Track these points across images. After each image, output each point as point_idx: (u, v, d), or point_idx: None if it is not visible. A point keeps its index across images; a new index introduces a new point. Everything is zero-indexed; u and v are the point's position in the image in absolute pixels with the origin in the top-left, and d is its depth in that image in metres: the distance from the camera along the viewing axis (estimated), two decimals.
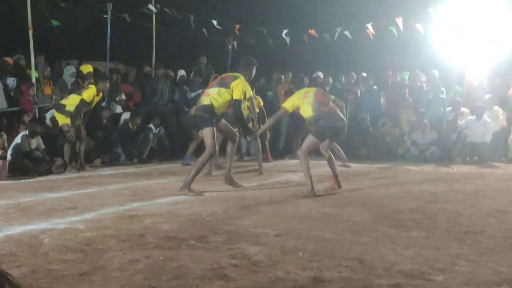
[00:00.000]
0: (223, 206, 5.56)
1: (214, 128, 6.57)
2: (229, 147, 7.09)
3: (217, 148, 6.82)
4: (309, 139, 6.59)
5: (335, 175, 6.90)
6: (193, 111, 8.05)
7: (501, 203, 5.89)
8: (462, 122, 11.72)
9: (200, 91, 12.07)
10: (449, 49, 12.61)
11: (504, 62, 12.86)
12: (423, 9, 12.28)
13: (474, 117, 11.46)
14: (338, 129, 6.74)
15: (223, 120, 6.90)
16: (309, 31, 13.52)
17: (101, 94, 9.51)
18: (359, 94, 12.79)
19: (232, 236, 4.14)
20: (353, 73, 13.39)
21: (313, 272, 3.22)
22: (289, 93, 7.40)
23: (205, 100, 6.56)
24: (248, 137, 7.35)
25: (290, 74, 13.01)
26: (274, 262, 3.42)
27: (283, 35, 13.83)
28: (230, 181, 7.03)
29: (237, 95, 6.47)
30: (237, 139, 7.11)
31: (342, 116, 6.78)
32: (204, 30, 14.37)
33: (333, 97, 7.26)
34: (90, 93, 9.06)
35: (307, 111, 6.65)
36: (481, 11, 12.11)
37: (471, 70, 12.95)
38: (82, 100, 8.98)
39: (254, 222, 4.73)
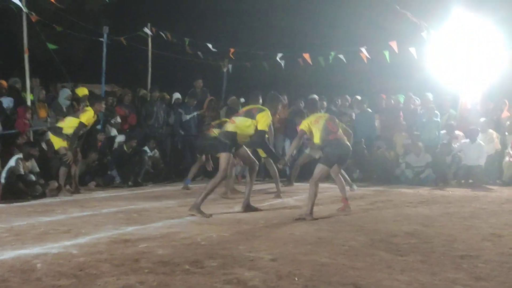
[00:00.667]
0: (218, 229, 5.53)
1: (231, 155, 6.78)
2: (248, 175, 7.27)
3: (233, 173, 6.91)
4: (319, 168, 6.75)
5: (345, 199, 7.12)
6: (212, 133, 8.23)
7: (496, 226, 5.89)
8: (456, 145, 11.77)
9: (195, 113, 12.12)
10: (443, 72, 12.73)
11: (497, 86, 12.98)
12: (416, 33, 12.39)
13: (468, 140, 11.52)
14: (343, 156, 6.89)
15: (244, 148, 7.06)
16: (303, 54, 13.61)
17: (96, 116, 9.51)
18: (354, 117, 12.82)
19: (227, 261, 4.11)
20: (347, 96, 13.46)
21: None
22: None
23: (229, 127, 6.78)
24: (278, 164, 7.45)
25: (285, 97, 13.06)
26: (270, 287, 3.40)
27: (278, 58, 13.92)
28: (248, 208, 7.13)
29: (262, 126, 6.69)
30: (257, 167, 7.24)
31: (348, 144, 6.92)
32: (199, 53, 14.47)
33: (344, 125, 7.36)
34: (88, 116, 9.06)
35: (315, 137, 6.89)
36: (472, 35, 12.25)
37: (465, 94, 13.05)
38: (81, 123, 8.98)
39: (249, 246, 4.70)
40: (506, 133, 12.19)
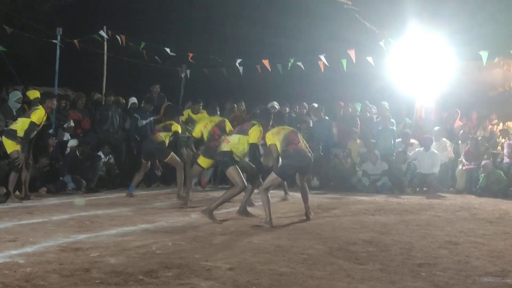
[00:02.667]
0: (173, 238, 5.38)
1: (237, 166, 6.91)
2: (250, 183, 7.29)
3: (246, 183, 6.96)
4: (271, 176, 6.86)
5: (306, 207, 7.24)
6: (159, 137, 8.79)
7: (452, 234, 5.94)
8: (411, 153, 11.93)
9: (151, 118, 11.89)
10: (399, 82, 12.93)
11: (449, 95, 13.27)
12: (375, 42, 12.54)
13: (422, 148, 11.71)
14: (301, 169, 7.00)
15: (243, 161, 7.24)
16: (263, 60, 13.57)
17: (46, 115, 9.13)
18: (311, 124, 12.85)
19: (183, 271, 3.97)
20: (305, 103, 13.47)
21: None
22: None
23: (225, 147, 7.00)
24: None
25: (243, 104, 12.99)
26: None
27: (237, 64, 13.84)
28: (244, 214, 7.30)
29: (253, 139, 6.93)
30: (259, 177, 7.44)
31: (309, 155, 6.94)
32: (157, 57, 14.25)
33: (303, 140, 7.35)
34: (39, 115, 8.67)
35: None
36: (427, 46, 12.48)
37: (419, 103, 13.29)
38: (32, 123, 8.58)
39: (206, 255, 4.57)
40: (459, 142, 12.46)
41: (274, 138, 6.96)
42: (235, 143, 6.98)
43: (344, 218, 7.25)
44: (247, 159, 7.36)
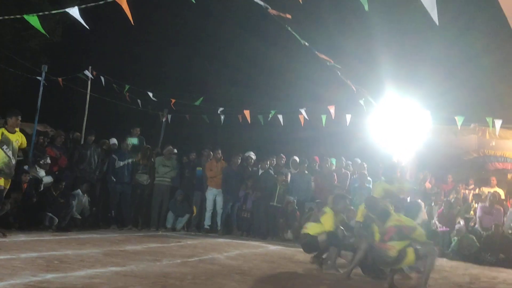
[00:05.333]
0: (143, 282, 5.29)
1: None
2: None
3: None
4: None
5: None
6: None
7: None
8: None
9: (129, 160, 11.88)
10: (376, 141, 13.14)
11: (426, 157, 13.50)
12: (355, 100, 12.81)
13: (395, 208, 11.77)
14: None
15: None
16: (244, 111, 13.72)
17: (24, 141, 9.03)
18: (289, 177, 12.91)
19: None
20: (282, 155, 13.55)
21: None
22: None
23: (304, 231, 7.75)
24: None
25: (220, 151, 13.03)
26: None
27: (218, 112, 13.97)
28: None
29: (329, 227, 7.48)
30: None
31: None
32: (139, 101, 14.33)
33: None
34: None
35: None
36: (404, 108, 12.75)
37: (396, 162, 13.46)
38: None
39: None
40: (432, 204, 12.59)
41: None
42: (312, 229, 7.58)
43: (314, 271, 7.23)
44: None
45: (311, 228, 7.68)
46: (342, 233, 7.68)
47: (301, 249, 8.04)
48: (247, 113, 13.69)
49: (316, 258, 7.78)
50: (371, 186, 12.53)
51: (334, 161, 13.64)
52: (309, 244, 7.64)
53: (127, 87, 13.75)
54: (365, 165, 13.13)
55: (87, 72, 13.11)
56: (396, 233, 6.35)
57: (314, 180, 13.04)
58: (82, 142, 12.44)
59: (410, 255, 6.23)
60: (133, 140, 12.40)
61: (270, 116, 13.54)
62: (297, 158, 13.33)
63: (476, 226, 11.54)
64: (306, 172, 13.01)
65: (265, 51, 18.66)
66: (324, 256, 7.73)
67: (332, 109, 12.72)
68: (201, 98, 14.01)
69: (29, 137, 10.86)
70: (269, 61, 18.92)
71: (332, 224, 7.50)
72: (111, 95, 14.24)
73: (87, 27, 7.11)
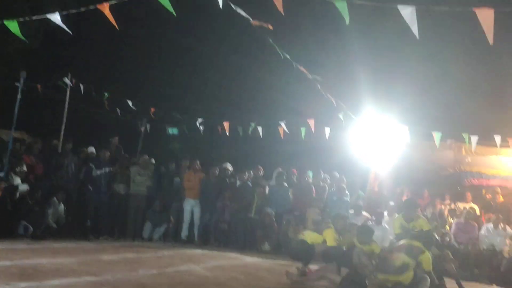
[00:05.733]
0: None
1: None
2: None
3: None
4: None
5: None
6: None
7: None
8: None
9: (107, 170, 11.78)
10: (355, 155, 13.23)
11: (403, 172, 13.63)
12: (334, 114, 12.88)
13: (374, 222, 11.85)
14: None
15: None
16: (224, 123, 13.73)
17: None
18: (267, 189, 12.91)
19: None
20: (260, 167, 13.53)
21: None
22: None
23: (300, 236, 8.07)
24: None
25: (198, 162, 12.99)
26: None
27: (197, 123, 13.95)
28: None
29: (330, 241, 7.74)
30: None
31: None
32: (118, 109, 14.24)
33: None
34: None
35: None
36: (382, 122, 12.87)
37: (373, 177, 13.57)
38: None
39: None
40: None
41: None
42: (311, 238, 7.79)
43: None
44: None
45: (309, 236, 7.79)
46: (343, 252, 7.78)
47: (287, 257, 8.08)
48: (226, 125, 13.68)
49: (298, 270, 7.80)
50: (348, 200, 12.62)
51: (311, 173, 13.68)
52: (303, 251, 7.69)
53: (106, 94, 13.66)
54: (344, 179, 13.20)
55: (66, 80, 13.01)
56: (406, 249, 6.77)
57: (293, 192, 13.06)
58: (59, 150, 12.28)
59: (410, 273, 6.60)
60: (174, 130, 12.26)
61: (250, 129, 13.55)
62: (280, 169, 13.29)
63: (452, 241, 11.66)
64: (285, 184, 13.02)
65: (245, 64, 18.72)
66: (311, 268, 7.76)
67: (311, 122, 12.79)
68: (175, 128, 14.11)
69: (5, 144, 10.74)
70: (249, 74, 18.98)
71: (334, 240, 7.69)
72: (90, 103, 14.13)
73: (70, 32, 7.07)
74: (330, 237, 7.71)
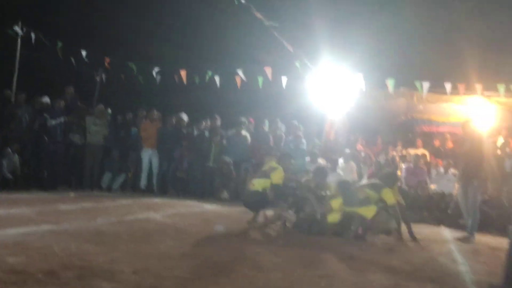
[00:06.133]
0: (77, 240, 5.28)
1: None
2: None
3: None
4: None
5: None
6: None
7: (353, 249, 6.22)
8: None
9: (62, 119, 11.60)
10: (311, 103, 13.37)
11: (358, 120, 13.89)
12: (290, 62, 12.91)
13: (329, 169, 12.12)
14: None
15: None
16: (180, 71, 13.59)
17: None
18: (224, 138, 12.97)
19: (85, 272, 3.93)
20: (217, 116, 13.52)
21: None
22: None
23: (252, 188, 7.74)
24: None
25: (155, 112, 12.91)
26: None
27: (153, 72, 13.77)
28: None
29: (277, 180, 7.65)
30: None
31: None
32: (72, 59, 13.89)
33: None
34: None
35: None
36: (337, 70, 13.00)
37: (329, 125, 13.80)
38: None
39: (110, 259, 4.54)
40: (361, 165, 13.03)
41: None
42: (258, 184, 7.68)
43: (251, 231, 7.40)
44: None
45: (258, 183, 7.77)
46: (291, 191, 7.98)
47: (243, 207, 8.14)
48: (183, 73, 13.57)
49: (254, 220, 7.93)
50: (305, 148, 12.83)
51: (267, 123, 13.78)
52: (257, 202, 7.74)
53: (59, 44, 13.29)
54: (301, 128, 13.35)
55: (16, 28, 12.57)
56: (369, 185, 7.55)
57: (250, 141, 13.16)
58: (12, 100, 11.99)
59: (373, 207, 7.17)
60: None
61: (207, 77, 13.47)
62: (244, 119, 13.28)
63: (403, 185, 12.07)
64: (243, 133, 13.11)
65: (200, 10, 18.39)
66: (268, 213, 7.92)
67: (268, 71, 12.80)
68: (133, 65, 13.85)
69: None
70: (205, 21, 18.68)
71: (281, 179, 7.68)
72: (42, 52, 13.71)
73: None
74: (277, 177, 7.69)
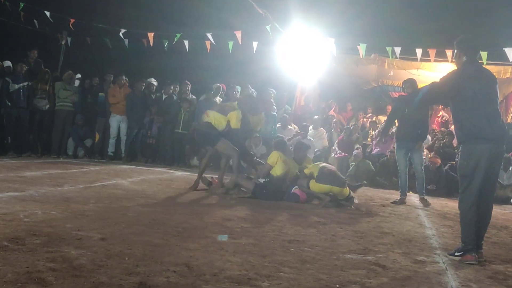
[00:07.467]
0: (43, 207, 5.16)
1: (223, 139, 7.40)
2: (223, 162, 7.99)
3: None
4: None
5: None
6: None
7: (320, 215, 6.25)
8: (288, 138, 12.31)
9: (25, 83, 11.24)
10: (282, 69, 13.27)
11: (328, 86, 13.87)
12: (261, 26, 12.74)
13: (299, 136, 12.14)
14: None
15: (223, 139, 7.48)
16: (148, 34, 13.29)
17: None
18: (194, 103, 12.80)
19: (52, 239, 3.82)
20: (187, 82, 13.29)
21: (139, 277, 3.08)
22: None
23: (205, 118, 7.50)
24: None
25: (124, 77, 12.63)
26: (98, 267, 3.22)
27: (121, 35, 13.44)
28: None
29: (234, 125, 7.41)
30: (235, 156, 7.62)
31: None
32: (35, 21, 13.45)
33: None
34: None
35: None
36: (308, 35, 12.89)
37: (300, 91, 13.77)
38: None
39: (78, 225, 4.43)
40: (332, 131, 13.09)
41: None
42: (212, 117, 7.44)
43: (222, 196, 7.36)
44: None
45: (213, 117, 7.49)
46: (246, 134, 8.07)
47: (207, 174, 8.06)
48: (150, 36, 13.27)
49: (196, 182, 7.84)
50: (276, 114, 12.77)
51: (239, 89, 13.64)
52: (206, 134, 7.50)
53: (21, 5, 12.82)
54: (272, 93, 13.25)
55: None
56: None
57: None
58: None
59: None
60: None
61: (175, 39, 13.20)
62: (218, 85, 13.07)
63: (373, 152, 12.16)
64: (214, 99, 12.93)
65: None
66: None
67: (238, 35, 12.61)
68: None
69: None
70: None
71: (238, 121, 7.41)
72: (3, 13, 13.22)
73: None
74: (234, 119, 7.41)
